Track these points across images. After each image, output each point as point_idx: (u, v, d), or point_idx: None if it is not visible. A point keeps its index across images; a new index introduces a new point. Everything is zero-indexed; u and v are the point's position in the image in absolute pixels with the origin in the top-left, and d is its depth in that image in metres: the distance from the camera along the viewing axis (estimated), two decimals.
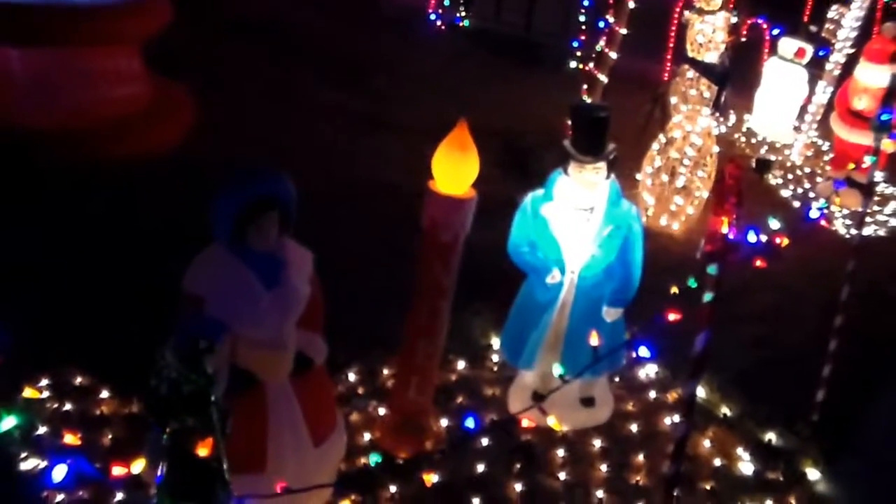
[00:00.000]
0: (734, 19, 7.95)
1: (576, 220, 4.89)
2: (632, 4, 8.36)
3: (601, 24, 9.03)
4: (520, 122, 10.02)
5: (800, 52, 11.18)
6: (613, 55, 8.51)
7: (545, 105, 10.27)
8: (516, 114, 10.40)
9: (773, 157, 10.46)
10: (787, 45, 11.32)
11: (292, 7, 13.01)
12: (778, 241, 3.70)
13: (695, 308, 3.49)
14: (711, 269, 3.34)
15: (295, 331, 3.89)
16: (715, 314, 3.45)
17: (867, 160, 5.40)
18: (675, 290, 3.36)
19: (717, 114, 8.15)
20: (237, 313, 3.62)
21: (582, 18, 11.82)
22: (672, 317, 3.19)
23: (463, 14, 14.38)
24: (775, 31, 11.85)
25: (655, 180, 8.35)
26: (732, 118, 11.80)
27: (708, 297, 3.39)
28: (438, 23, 14.09)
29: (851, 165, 7.14)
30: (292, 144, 8.58)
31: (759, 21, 12.24)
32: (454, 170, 4.46)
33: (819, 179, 10.12)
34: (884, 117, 5.43)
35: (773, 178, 10.09)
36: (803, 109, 11.06)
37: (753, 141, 11.41)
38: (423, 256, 4.67)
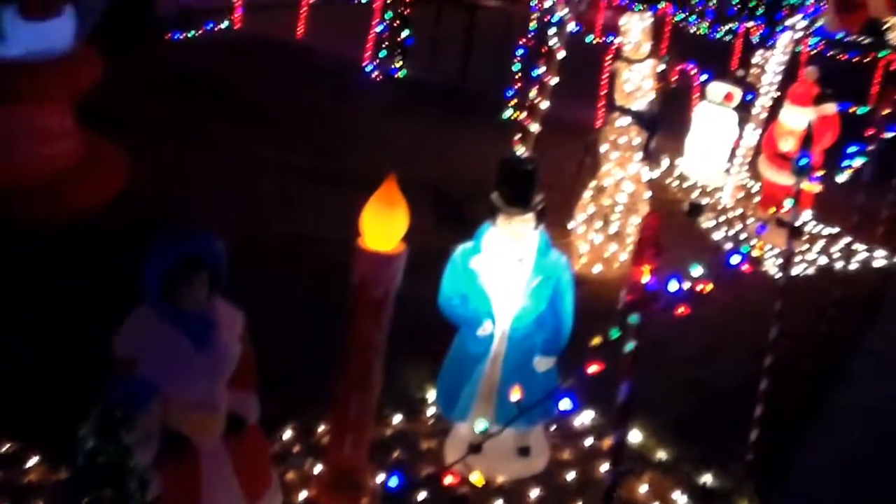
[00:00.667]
0: (661, 67, 8.09)
1: (505, 272, 4.94)
2: (561, 54, 8.51)
3: (534, 74, 9.18)
4: (455, 172, 10.11)
5: (728, 97, 11.42)
6: (545, 104, 8.64)
7: (480, 154, 10.35)
8: (452, 163, 10.50)
9: (704, 201, 10.63)
10: (716, 89, 11.56)
11: (227, 62, 13.03)
12: (700, 287, 3.77)
13: (619, 357, 3.55)
14: (633, 319, 3.40)
15: (226, 391, 3.88)
16: (637, 363, 3.50)
17: (787, 203, 5.52)
18: (597, 340, 3.41)
19: (648, 160, 8.28)
20: (168, 375, 3.62)
21: (516, 67, 12.00)
22: (593, 368, 3.23)
23: (399, 65, 14.50)
24: (704, 77, 12.11)
25: (589, 227, 8.45)
26: (665, 163, 12.00)
27: (629, 346, 3.43)
28: (374, 74, 14.18)
29: (772, 210, 7.30)
30: (227, 200, 8.57)
31: (689, 67, 12.50)
32: (383, 226, 4.50)
33: (750, 221, 10.30)
34: (802, 161, 5.56)
35: (706, 222, 10.25)
36: (733, 152, 11.27)
37: (686, 185, 11.60)
38: (354, 312, 4.69)
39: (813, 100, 9.57)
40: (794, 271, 9.34)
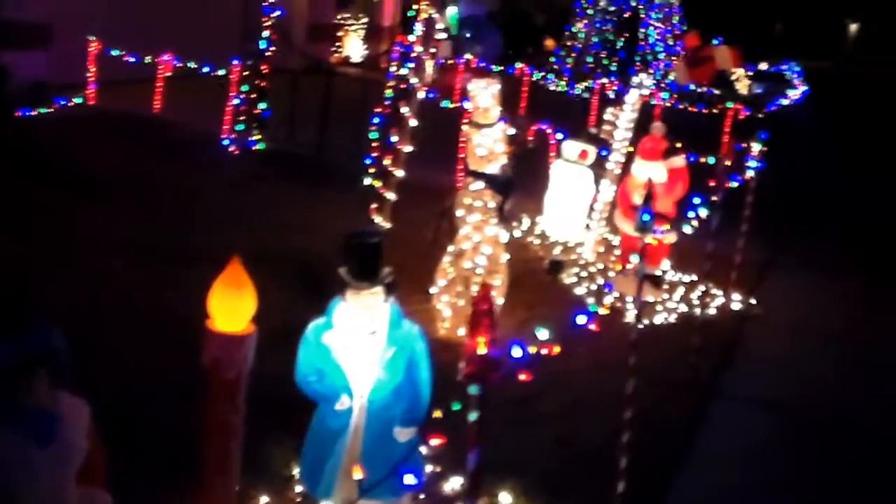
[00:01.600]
0: (511, 130, 8.25)
1: (359, 346, 4.91)
2: (413, 122, 8.62)
3: (390, 141, 9.26)
4: (314, 244, 10.03)
5: (583, 154, 11.70)
6: (399, 172, 8.71)
7: (338, 225, 10.32)
8: (311, 235, 10.42)
9: (562, 259, 10.80)
10: (571, 148, 11.84)
11: (80, 138, 12.76)
12: (547, 351, 3.82)
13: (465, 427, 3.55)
14: (473, 390, 3.41)
15: (74, 487, 3.74)
16: (482, 434, 3.51)
17: (633, 259, 5.65)
18: (438, 413, 3.40)
19: (503, 222, 8.39)
20: (9, 478, 3.47)
21: (373, 136, 12.07)
22: (435, 441, 3.22)
23: (257, 137, 14.43)
24: (560, 136, 12.39)
25: (450, 292, 8.49)
26: (526, 222, 12.20)
27: (473, 416, 3.44)
28: (231, 147, 14.07)
29: (619, 267, 7.46)
30: (77, 282, 8.32)
31: (544, 127, 12.79)
32: (230, 307, 4.43)
33: (611, 274, 10.50)
34: (644, 218, 5.71)
35: (568, 278, 10.42)
36: (591, 208, 11.52)
37: (547, 242, 11.79)
38: (208, 395, 4.59)
39: (662, 153, 9.87)
40: (657, 320, 9.57)
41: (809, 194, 17.74)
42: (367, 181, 12.36)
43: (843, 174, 20.67)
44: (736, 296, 10.49)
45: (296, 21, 24.97)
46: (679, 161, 9.93)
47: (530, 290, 9.80)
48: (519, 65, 23.64)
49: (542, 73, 22.94)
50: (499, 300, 8.66)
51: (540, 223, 12.22)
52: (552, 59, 30.05)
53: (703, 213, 7.61)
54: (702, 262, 10.92)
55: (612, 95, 22.72)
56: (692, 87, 29.98)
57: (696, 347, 8.22)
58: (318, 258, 9.43)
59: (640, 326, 6.08)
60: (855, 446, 7.71)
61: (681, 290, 10.55)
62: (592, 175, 11.63)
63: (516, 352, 3.57)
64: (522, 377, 3.47)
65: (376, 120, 12.65)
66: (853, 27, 68.12)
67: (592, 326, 4.40)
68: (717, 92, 28.25)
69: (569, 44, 29.91)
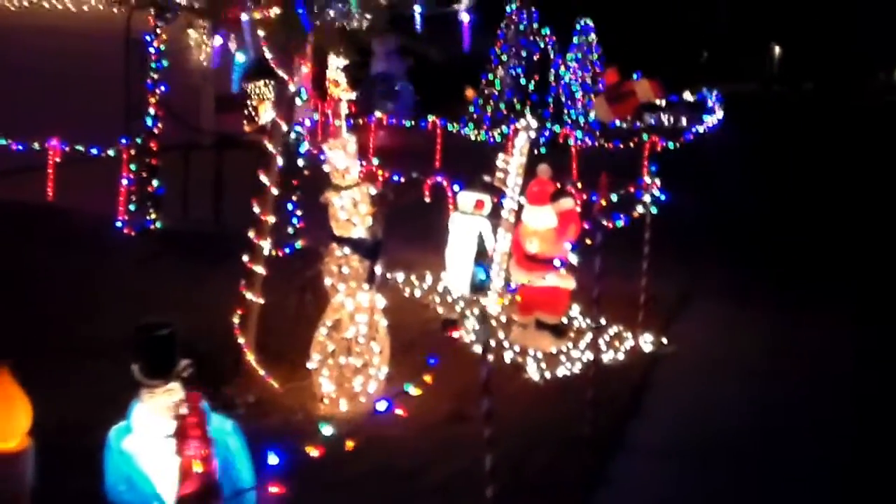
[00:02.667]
0: (373, 191, 7.75)
1: (163, 449, 4.33)
2: (275, 191, 8.13)
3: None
4: (207, 323, 9.42)
5: (478, 205, 11.24)
6: (265, 244, 8.19)
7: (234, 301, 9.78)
8: (204, 313, 9.80)
9: (456, 317, 10.27)
10: (466, 198, 11.38)
11: None
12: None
13: None
14: None
15: None
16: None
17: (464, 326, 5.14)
18: None
19: (374, 287, 7.85)
20: None
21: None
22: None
23: (152, 216, 13.84)
24: (455, 187, 11.92)
25: (331, 365, 7.92)
26: (429, 280, 11.71)
27: None
28: (125, 229, 13.48)
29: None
30: None
31: (439, 179, 12.33)
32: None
33: (514, 328, 9.97)
34: (480, 277, 5.22)
35: (467, 335, 9.88)
36: (492, 259, 11.03)
37: (449, 299, 11.28)
38: None
39: (549, 197, 9.41)
40: (560, 372, 9.06)
41: (724, 221, 17.39)
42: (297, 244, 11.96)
43: (762, 197, 20.39)
44: (647, 336, 10.02)
45: (202, 94, 24.47)
46: (567, 203, 9.47)
47: (425, 351, 9.23)
48: (431, 118, 23.30)
49: (455, 125, 22.53)
50: (382, 369, 8.14)
51: (442, 279, 11.71)
52: (471, 109, 29.78)
53: (573, 258, 7.15)
54: (609, 305, 10.62)
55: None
56: (617, 123, 29.85)
57: (592, 400, 7.69)
58: (210, 336, 8.87)
59: (538, 380, 5.55)
60: (769, 497, 7.24)
61: (588, 337, 10.03)
62: (489, 226, 11.14)
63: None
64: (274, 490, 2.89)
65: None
66: (777, 50, 69.07)
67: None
68: (646, 118, 28.13)
69: (486, 92, 29.66)
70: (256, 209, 8.18)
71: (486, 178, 11.35)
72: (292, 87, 8.23)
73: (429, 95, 33.33)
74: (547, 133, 22.39)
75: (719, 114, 31.56)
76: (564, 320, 9.98)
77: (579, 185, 12.35)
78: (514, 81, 28.22)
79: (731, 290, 12.40)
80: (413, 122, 24.34)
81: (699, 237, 15.51)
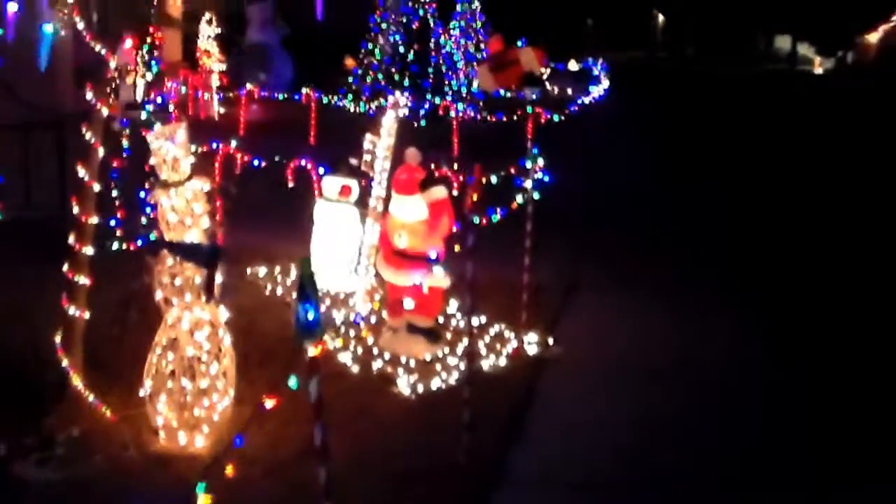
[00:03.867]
0: (206, 186, 6.59)
1: None
2: (96, 187, 6.92)
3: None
4: (31, 336, 8.15)
5: (344, 191, 10.15)
6: (88, 250, 6.98)
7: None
8: (29, 324, 8.55)
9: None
10: (330, 184, 10.27)
11: None
12: None
13: None
14: None
15: None
16: None
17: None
18: None
19: (212, 298, 6.70)
20: None
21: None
22: None
23: None
24: (322, 171, 10.79)
25: (168, 391, 6.77)
26: (294, 275, 10.61)
27: None
28: None
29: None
30: None
31: (303, 162, 11.17)
32: None
33: (385, 332, 8.93)
34: (310, 316, 4.18)
35: (332, 341, 8.82)
36: (360, 252, 9.97)
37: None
38: None
39: (419, 185, 8.37)
40: (433, 384, 8.07)
41: (614, 201, 16.55)
42: (115, 244, 10.68)
43: (653, 173, 19.64)
44: (531, 336, 9.10)
45: (60, 65, 22.61)
46: (440, 192, 8.42)
47: (283, 363, 8.16)
48: (305, 90, 21.99)
49: (331, 97, 21.27)
50: (229, 393, 7.03)
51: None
52: (350, 80, 28.49)
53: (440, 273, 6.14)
54: (490, 299, 9.70)
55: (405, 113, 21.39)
56: (501, 92, 29.05)
57: (470, 423, 6.71)
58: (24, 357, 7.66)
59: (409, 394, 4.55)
60: None
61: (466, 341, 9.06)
62: (357, 214, 10.06)
63: None
64: None
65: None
66: (660, 17, 69.35)
67: None
68: (528, 93, 27.33)
69: (366, 62, 28.40)
70: (76, 208, 6.94)
71: (353, 161, 10.26)
72: (112, 64, 6.96)
73: (308, 66, 31.97)
74: (427, 105, 21.31)
75: (605, 83, 30.94)
76: (442, 319, 9.00)
77: (455, 165, 11.30)
78: (394, 50, 27.01)
79: (623, 278, 11.55)
80: (286, 95, 22.98)
81: (588, 220, 14.65)
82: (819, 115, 31.20)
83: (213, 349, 6.82)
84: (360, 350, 8.66)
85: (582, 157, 19.64)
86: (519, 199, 8.46)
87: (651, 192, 17.42)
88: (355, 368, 8.30)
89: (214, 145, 11.83)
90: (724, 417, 7.84)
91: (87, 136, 6.82)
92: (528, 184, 8.86)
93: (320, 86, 23.60)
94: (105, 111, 6.87)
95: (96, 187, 6.91)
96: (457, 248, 7.30)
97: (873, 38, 58.81)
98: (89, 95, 6.83)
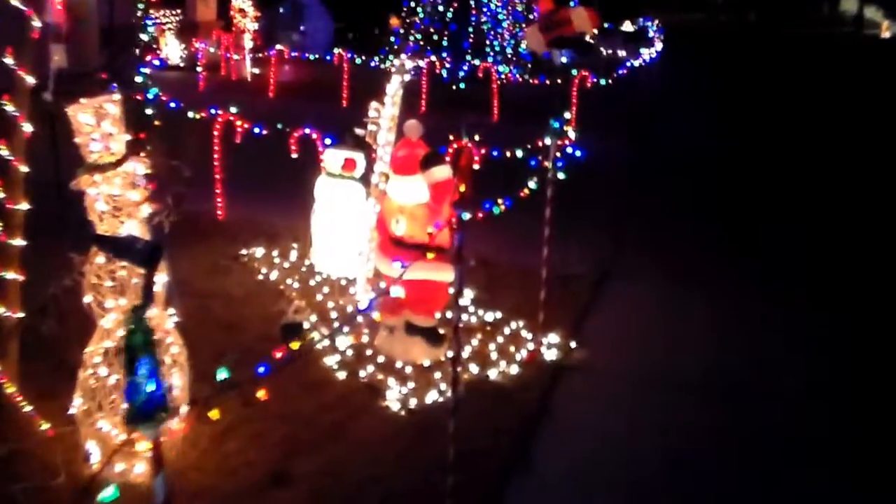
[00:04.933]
0: (143, 171, 5.46)
1: None
2: (24, 168, 5.82)
3: None
4: None
5: (348, 164, 9.01)
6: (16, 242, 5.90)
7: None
8: None
9: (299, 319, 8.07)
10: (333, 157, 9.15)
11: None
12: None
13: None
14: None
15: None
16: None
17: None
18: None
19: (150, 301, 5.56)
20: None
21: None
22: None
23: None
24: (328, 142, 9.64)
25: (102, 409, 5.69)
26: (293, 257, 9.52)
27: None
28: None
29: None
30: None
31: (308, 131, 10.04)
32: None
33: (380, 332, 7.78)
34: (143, 394, 3.05)
35: (320, 342, 7.71)
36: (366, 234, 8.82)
37: (312, 282, 9.10)
38: None
39: (420, 164, 7.17)
40: (429, 398, 6.92)
41: (660, 176, 15.23)
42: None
43: (704, 147, 18.19)
44: (551, 337, 7.92)
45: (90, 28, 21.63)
46: (442, 172, 7.17)
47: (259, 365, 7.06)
48: (338, 50, 20.84)
49: (362, 58, 20.05)
50: (180, 410, 5.94)
51: (310, 256, 9.53)
52: (392, 40, 27.28)
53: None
54: (506, 291, 8.56)
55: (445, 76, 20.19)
56: (551, 54, 27.78)
57: (453, 462, 5.52)
58: None
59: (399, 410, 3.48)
60: None
61: (476, 341, 7.91)
62: (364, 191, 8.92)
63: None
64: None
65: None
66: None
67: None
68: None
69: (409, 21, 27.13)
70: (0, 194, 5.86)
71: (359, 132, 9.07)
72: (36, 23, 5.83)
73: (350, 25, 30.83)
74: (466, 67, 20.04)
75: (658, 46, 29.37)
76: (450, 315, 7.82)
77: (477, 137, 10.09)
78: (433, 9, 25.69)
79: (662, 264, 10.31)
80: (317, 56, 21.85)
81: (628, 196, 13.38)
82: (886, 83, 29.43)
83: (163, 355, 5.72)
84: (350, 352, 7.53)
85: (627, 126, 18.31)
86: (532, 184, 7.20)
87: (702, 166, 16.05)
88: (342, 375, 7.16)
89: (212, 111, 10.80)
90: (757, 445, 6.59)
91: (10, 109, 5.72)
92: (548, 164, 7.62)
93: (362, 46, 22.53)
94: (31, 80, 5.76)
95: (24, 169, 5.81)
96: (430, 255, 6.09)
97: None
98: (9, 61, 5.72)
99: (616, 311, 8.88)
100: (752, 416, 6.93)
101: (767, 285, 9.84)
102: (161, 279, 5.61)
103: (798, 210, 13.10)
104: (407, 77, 8.29)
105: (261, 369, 3.84)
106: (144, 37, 8.92)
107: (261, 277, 9.31)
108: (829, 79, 30.42)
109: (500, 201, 6.14)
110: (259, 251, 9.98)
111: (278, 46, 21.76)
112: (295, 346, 6.96)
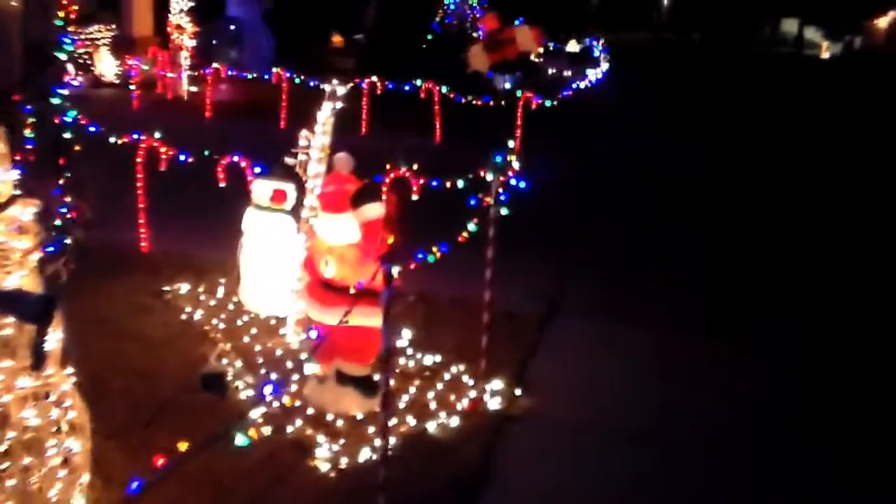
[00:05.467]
0: (30, 216, 4.84)
1: None
2: None
3: None
4: None
5: (277, 196, 8.42)
6: None
7: None
8: None
9: (221, 369, 7.43)
10: (261, 188, 8.55)
11: None
12: None
13: None
14: None
15: None
16: None
17: None
18: None
19: (39, 364, 4.93)
20: None
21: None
22: None
23: None
24: (258, 170, 9.04)
25: None
26: (220, 293, 8.91)
27: None
28: None
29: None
30: None
31: (236, 159, 9.43)
32: None
33: (309, 381, 7.18)
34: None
35: (243, 390, 7.13)
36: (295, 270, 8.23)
37: (240, 322, 8.50)
38: None
39: (350, 200, 6.60)
40: (362, 456, 6.34)
41: (606, 204, 14.79)
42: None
43: (652, 170, 17.82)
44: (494, 383, 7.38)
45: (12, 41, 20.75)
46: (375, 210, 6.60)
47: (183, 421, 6.48)
48: (275, 69, 20.24)
49: (301, 77, 19.43)
50: (82, 477, 5.28)
51: (238, 293, 8.92)
52: (335, 57, 26.75)
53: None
54: (448, 329, 8.05)
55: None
56: (494, 73, 27.53)
57: None
58: None
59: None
60: None
61: (413, 389, 7.35)
62: (294, 224, 8.35)
63: None
64: None
65: None
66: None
67: None
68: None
69: (356, 38, 26.63)
70: None
71: (290, 161, 8.50)
72: None
73: (290, 43, 30.20)
74: (407, 87, 19.55)
75: (604, 66, 29.14)
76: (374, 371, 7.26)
77: (415, 166, 9.55)
78: (374, 25, 25.20)
79: (611, 299, 9.84)
80: (256, 74, 21.21)
81: (576, 224, 12.93)
82: (825, 102, 29.48)
83: (44, 436, 5.03)
84: (276, 402, 6.92)
85: (572, 150, 17.94)
86: (472, 226, 6.68)
87: (649, 192, 15.67)
88: (267, 430, 6.55)
89: (135, 136, 10.16)
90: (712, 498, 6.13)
91: None
92: (490, 200, 7.10)
93: (305, 64, 21.99)
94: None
95: None
96: (347, 319, 5.55)
97: (883, 22, 57.11)
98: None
99: (562, 351, 8.37)
100: (705, 466, 6.47)
101: (715, 316, 9.43)
102: (56, 336, 4.98)
103: (749, 232, 12.76)
104: (339, 104, 7.73)
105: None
106: (62, 55, 8.39)
107: (184, 317, 8.67)
108: (773, 96, 30.42)
109: (434, 249, 5.59)
110: (184, 287, 9.35)
111: (214, 65, 21.06)
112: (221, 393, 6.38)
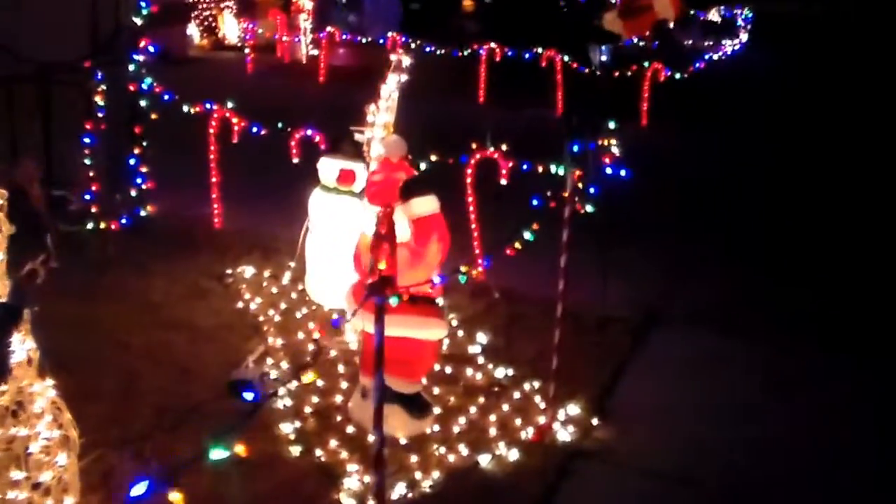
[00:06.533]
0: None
1: None
2: None
3: None
4: None
5: (344, 176, 7.50)
6: None
7: None
8: None
9: (252, 374, 6.58)
10: (327, 168, 7.65)
11: None
12: None
13: None
14: None
15: None
16: None
17: None
18: None
19: (7, 379, 4.19)
20: None
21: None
22: None
23: None
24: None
25: None
26: (286, 279, 8.13)
27: None
28: None
29: None
30: None
31: (310, 133, 8.61)
32: None
33: (355, 394, 6.28)
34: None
35: (275, 400, 6.30)
36: None
37: (299, 314, 7.71)
38: None
39: (400, 192, 5.66)
40: (397, 492, 5.43)
41: (728, 197, 13.04)
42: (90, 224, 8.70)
43: (792, 158, 15.74)
44: (569, 408, 6.36)
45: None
46: (427, 204, 5.64)
47: (209, 429, 5.73)
48: (391, 34, 19.44)
49: (416, 42, 18.56)
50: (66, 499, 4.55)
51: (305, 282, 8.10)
52: (465, 23, 25.86)
53: None
54: (523, 338, 7.08)
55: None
56: (632, 41, 26.12)
57: None
58: None
59: None
60: None
61: (475, 408, 6.40)
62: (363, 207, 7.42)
63: None
64: None
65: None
66: None
67: None
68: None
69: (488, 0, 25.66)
70: None
71: (359, 137, 7.54)
72: None
73: (420, 7, 29.43)
74: (528, 55, 18.52)
75: (743, 37, 27.32)
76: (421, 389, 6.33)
77: (504, 146, 8.51)
78: None
79: (726, 307, 8.60)
80: (370, 39, 20.46)
81: (693, 218, 11.55)
82: None
83: (18, 447, 4.33)
84: (311, 420, 6.06)
85: (698, 130, 16.53)
86: (526, 234, 5.64)
87: (787, 183, 13.82)
88: (295, 450, 5.70)
89: (208, 105, 9.46)
90: None
91: None
92: (568, 192, 6.04)
93: (432, 28, 21.26)
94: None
95: None
96: (392, 301, 4.62)
97: None
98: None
99: (657, 370, 7.24)
100: None
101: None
102: (27, 346, 4.23)
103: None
104: (404, 77, 6.78)
105: None
106: (138, 20, 7.82)
107: (241, 304, 7.93)
108: None
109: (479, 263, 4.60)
110: (249, 270, 8.61)
111: (329, 28, 20.40)
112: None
